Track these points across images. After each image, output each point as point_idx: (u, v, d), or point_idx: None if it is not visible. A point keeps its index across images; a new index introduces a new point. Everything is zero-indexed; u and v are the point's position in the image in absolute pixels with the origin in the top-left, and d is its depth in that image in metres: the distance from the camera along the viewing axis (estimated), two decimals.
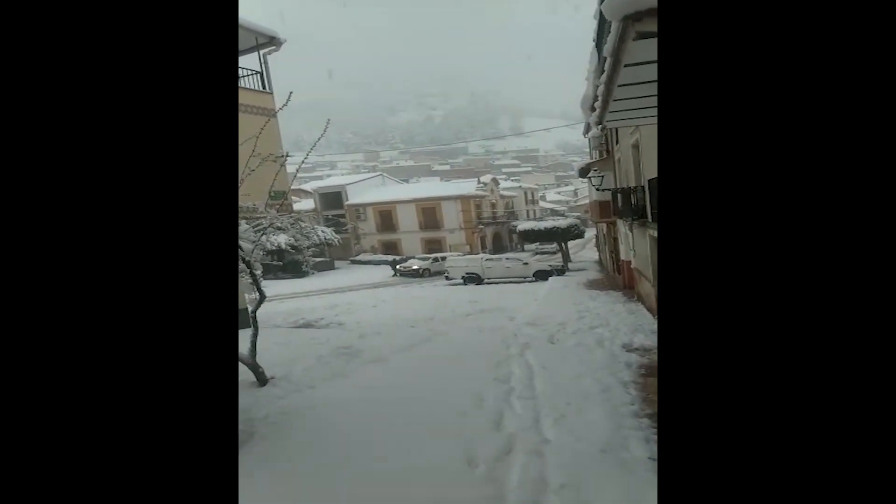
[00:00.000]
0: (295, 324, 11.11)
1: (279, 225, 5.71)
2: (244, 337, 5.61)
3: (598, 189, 14.30)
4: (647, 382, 4.88)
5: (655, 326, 7.90)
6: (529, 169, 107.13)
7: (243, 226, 5.18)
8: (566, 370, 5.36)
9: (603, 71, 3.63)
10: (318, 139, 5.33)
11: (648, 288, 9.98)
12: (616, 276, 16.09)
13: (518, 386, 4.88)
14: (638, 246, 11.02)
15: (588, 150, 21.64)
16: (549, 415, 3.98)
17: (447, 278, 22.01)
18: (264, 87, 11.48)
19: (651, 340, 6.82)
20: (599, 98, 4.17)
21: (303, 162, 5.67)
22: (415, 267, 25.56)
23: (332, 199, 36.12)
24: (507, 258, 22.37)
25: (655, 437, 3.52)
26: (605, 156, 15.38)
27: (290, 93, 5.30)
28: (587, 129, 18.30)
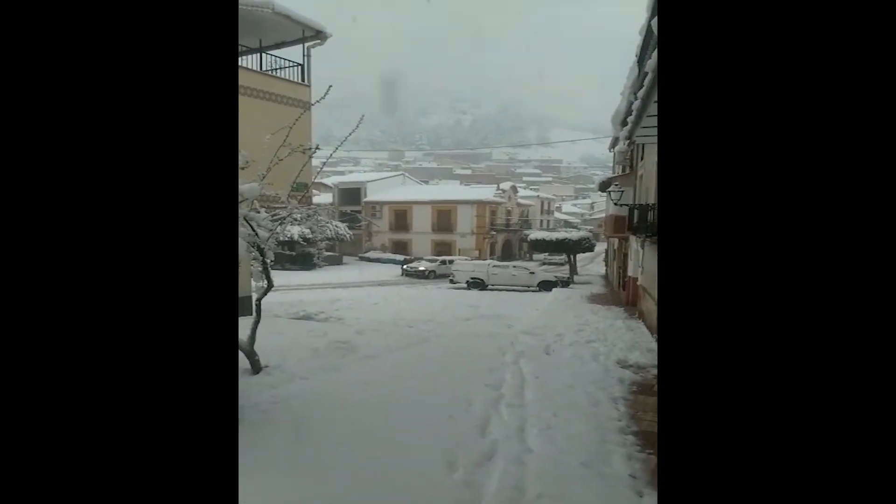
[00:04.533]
0: (295, 315, 11.19)
1: (296, 217, 5.77)
2: (244, 324, 5.69)
3: (616, 203, 14.26)
4: (636, 399, 4.86)
5: (653, 344, 7.84)
6: (550, 179, 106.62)
7: (262, 214, 5.25)
8: (558, 381, 5.35)
9: (642, 86, 3.66)
10: (350, 134, 5.38)
11: (651, 306, 9.91)
12: (620, 292, 15.98)
13: (508, 393, 4.88)
14: (647, 263, 10.94)
15: (612, 164, 21.54)
16: (536, 424, 3.98)
17: (451, 281, 22.01)
18: (303, 80, 11.60)
19: (646, 358, 6.77)
20: (634, 112, 4.19)
21: (330, 157, 5.71)
22: (421, 268, 25.63)
23: (351, 195, 36.39)
24: (514, 266, 22.32)
25: (638, 454, 3.50)
26: (628, 171, 15.33)
27: (329, 86, 5.30)
28: (614, 143, 18.26)
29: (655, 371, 6.02)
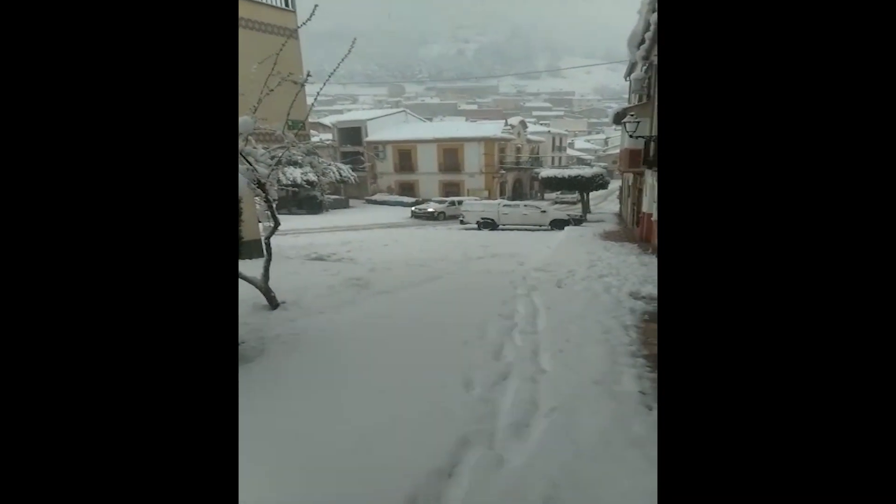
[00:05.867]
0: (307, 257, 11.34)
1: (295, 158, 5.65)
2: (257, 264, 5.79)
3: (631, 136, 13.72)
4: (648, 327, 4.92)
5: None
6: (561, 113, 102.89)
7: (260, 150, 5.16)
8: (570, 312, 5.43)
9: None
10: (341, 62, 5.15)
11: None
12: (634, 229, 15.84)
13: (521, 322, 4.98)
14: None
15: (627, 95, 20.62)
16: (548, 349, 4.08)
17: (462, 222, 21.97)
18: (287, 5, 10.98)
19: None
20: (652, 27, 3.89)
21: (322, 87, 5.51)
22: (430, 209, 25.52)
23: (352, 135, 35.55)
24: (524, 205, 22.10)
25: (648, 374, 3.60)
26: (644, 100, 14.66)
27: (315, 6, 5.01)
28: (630, 70, 17.27)
29: None
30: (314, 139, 28.46)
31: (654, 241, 11.51)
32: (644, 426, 2.80)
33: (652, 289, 6.91)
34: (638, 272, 8.55)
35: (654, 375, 3.58)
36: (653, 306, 5.83)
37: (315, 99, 5.84)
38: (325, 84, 5.36)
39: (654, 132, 12.27)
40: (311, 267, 9.05)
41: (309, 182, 20.32)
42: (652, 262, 10.06)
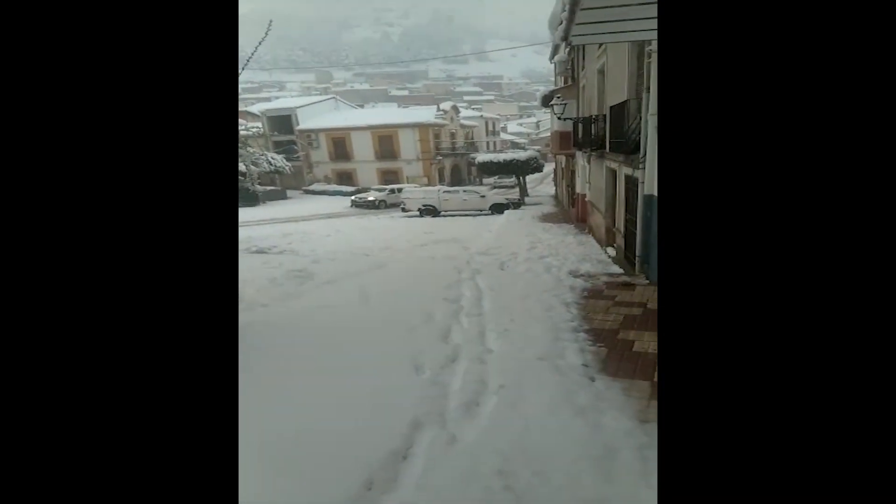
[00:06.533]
0: (247, 250, 10.84)
1: None
2: None
3: (559, 118, 14.13)
4: (588, 303, 5.19)
5: (602, 256, 8.28)
6: (492, 98, 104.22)
7: None
8: (513, 292, 5.60)
9: None
10: (258, 45, 4.94)
11: (599, 220, 10.34)
12: (570, 210, 16.52)
13: (467, 305, 5.07)
14: (594, 178, 11.23)
15: (553, 77, 21.22)
16: (494, 330, 4.20)
17: (403, 210, 21.82)
18: None
19: (596, 268, 7.17)
20: (567, 7, 3.97)
21: (239, 73, 5.25)
22: (370, 198, 25.12)
23: (282, 123, 33.95)
24: (464, 191, 22.29)
25: (590, 347, 3.81)
26: (569, 83, 15.13)
27: None
28: (554, 52, 17.79)
29: (605, 279, 6.40)
30: (242, 131, 26.98)
31: (590, 220, 12.08)
32: (587, 396, 2.97)
33: (589, 266, 7.28)
34: (576, 251, 8.96)
35: (596, 349, 3.80)
36: (591, 283, 6.15)
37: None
38: (243, 68, 5.11)
39: (581, 114, 12.77)
40: (251, 260, 8.67)
41: (241, 173, 19.26)
42: (588, 241, 10.56)
